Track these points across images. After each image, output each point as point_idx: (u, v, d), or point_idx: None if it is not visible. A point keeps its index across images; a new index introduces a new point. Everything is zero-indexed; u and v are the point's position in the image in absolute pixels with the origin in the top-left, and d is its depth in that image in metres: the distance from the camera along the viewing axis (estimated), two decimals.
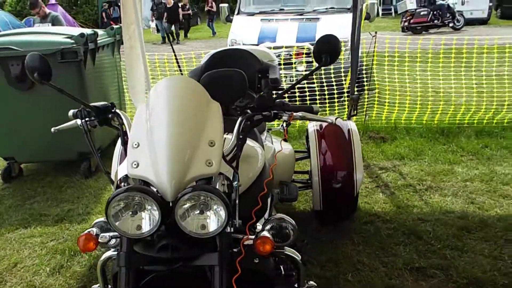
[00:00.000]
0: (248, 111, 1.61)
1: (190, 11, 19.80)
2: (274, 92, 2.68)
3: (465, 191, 3.56)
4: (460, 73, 5.44)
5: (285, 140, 2.85)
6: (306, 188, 3.12)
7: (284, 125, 3.02)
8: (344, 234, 2.97)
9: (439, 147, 4.49)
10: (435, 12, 15.77)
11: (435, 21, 15.80)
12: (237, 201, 1.43)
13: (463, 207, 3.30)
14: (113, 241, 1.50)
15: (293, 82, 1.73)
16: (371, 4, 6.49)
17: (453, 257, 2.69)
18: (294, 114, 1.66)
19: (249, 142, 1.90)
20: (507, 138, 4.62)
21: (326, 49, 1.60)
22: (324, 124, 3.02)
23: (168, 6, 16.68)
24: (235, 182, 1.45)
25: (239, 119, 1.55)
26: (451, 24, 15.88)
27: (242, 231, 1.46)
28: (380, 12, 22.40)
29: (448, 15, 15.85)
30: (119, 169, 1.55)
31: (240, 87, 2.50)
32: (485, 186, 3.62)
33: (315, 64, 1.64)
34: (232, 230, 1.39)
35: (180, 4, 17.78)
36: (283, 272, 1.74)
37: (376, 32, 4.93)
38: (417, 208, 3.32)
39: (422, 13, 15.72)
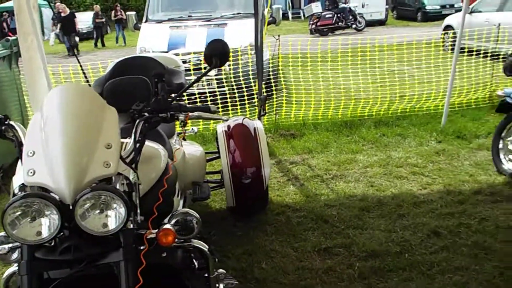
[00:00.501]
0: (146, 114, 1.68)
1: (103, 19, 19.07)
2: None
3: (366, 176, 3.93)
4: (357, 70, 5.93)
5: (184, 139, 2.96)
6: (220, 187, 3.25)
7: (182, 125, 3.14)
8: (258, 226, 3.14)
9: (343, 139, 4.87)
10: (339, 15, 16.86)
11: (340, 23, 16.90)
12: (138, 199, 1.50)
13: (364, 190, 3.65)
14: (15, 255, 1.49)
15: (192, 85, 1.85)
16: (276, 8, 6.83)
17: (354, 235, 2.99)
18: (190, 114, 1.78)
19: (152, 144, 1.98)
20: (401, 126, 5.15)
21: (216, 52, 1.75)
22: (232, 125, 3.18)
23: (63, 15, 15.24)
24: (135, 181, 1.52)
25: (136, 121, 1.63)
26: (353, 26, 17.08)
27: (147, 227, 1.54)
28: (290, 16, 23.39)
29: (350, 17, 17.04)
30: (14, 179, 1.55)
31: (143, 94, 2.57)
32: (382, 170, 4.02)
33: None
34: (135, 226, 1.47)
35: (76, 14, 16.84)
36: (196, 266, 1.83)
37: (279, 35, 5.22)
38: (324, 195, 3.60)
39: (327, 16, 16.72)
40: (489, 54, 6.34)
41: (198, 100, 5.09)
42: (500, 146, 3.86)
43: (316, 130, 5.10)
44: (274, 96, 5.36)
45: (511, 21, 8.14)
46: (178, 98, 1.80)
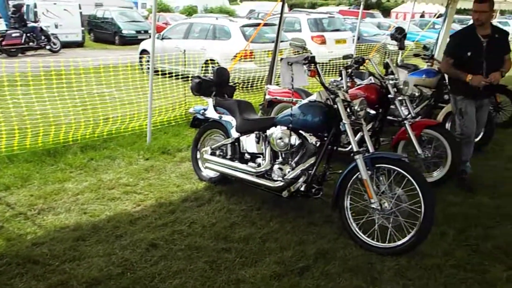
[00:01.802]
0: None
1: None
2: None
3: (77, 204, 3.72)
4: (54, 94, 5.54)
5: None
6: None
7: None
8: None
9: (47, 168, 4.45)
10: (28, 34, 15.39)
11: (31, 44, 15.45)
12: None
13: (77, 219, 3.45)
14: None
15: None
16: None
17: (72, 268, 2.78)
18: None
19: None
20: (109, 148, 5.12)
21: None
22: None
23: None
24: None
25: None
26: (48, 47, 15.94)
27: None
28: None
29: (43, 37, 15.81)
30: None
31: None
32: (94, 195, 3.90)
33: None
34: None
35: None
36: None
37: None
38: (31, 234, 3.20)
39: (14, 35, 14.98)
40: (180, 76, 7.13)
41: None
42: (198, 156, 4.39)
43: (13, 163, 4.47)
44: None
45: (194, 47, 9.48)
46: None
